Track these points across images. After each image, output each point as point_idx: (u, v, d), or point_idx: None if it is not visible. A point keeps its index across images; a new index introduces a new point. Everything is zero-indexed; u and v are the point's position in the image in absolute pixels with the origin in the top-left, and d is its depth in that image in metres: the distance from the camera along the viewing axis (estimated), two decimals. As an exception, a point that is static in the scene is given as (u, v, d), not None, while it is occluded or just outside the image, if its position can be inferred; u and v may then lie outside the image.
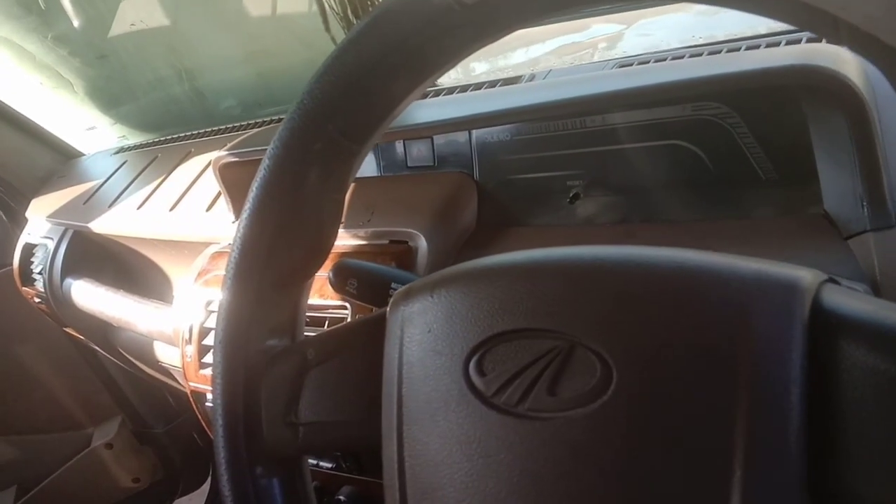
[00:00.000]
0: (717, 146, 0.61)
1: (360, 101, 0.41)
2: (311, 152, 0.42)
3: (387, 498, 0.38)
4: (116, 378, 1.64)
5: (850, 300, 0.29)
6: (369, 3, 0.69)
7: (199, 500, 1.76)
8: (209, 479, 1.77)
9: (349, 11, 0.69)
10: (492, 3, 0.35)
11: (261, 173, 0.43)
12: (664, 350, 0.30)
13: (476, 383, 0.35)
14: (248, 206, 0.43)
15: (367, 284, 0.54)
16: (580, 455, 0.31)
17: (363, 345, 0.43)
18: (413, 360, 0.37)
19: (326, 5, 0.70)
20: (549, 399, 0.32)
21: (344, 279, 0.55)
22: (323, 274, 0.57)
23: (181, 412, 1.68)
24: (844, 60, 0.50)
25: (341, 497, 0.75)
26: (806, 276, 0.29)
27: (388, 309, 0.40)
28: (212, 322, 0.83)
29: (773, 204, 0.59)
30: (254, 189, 0.43)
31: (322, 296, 0.72)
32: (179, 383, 1.21)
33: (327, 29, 0.72)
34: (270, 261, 0.44)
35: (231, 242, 0.45)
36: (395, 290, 0.54)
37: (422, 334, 0.37)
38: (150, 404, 1.69)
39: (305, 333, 0.75)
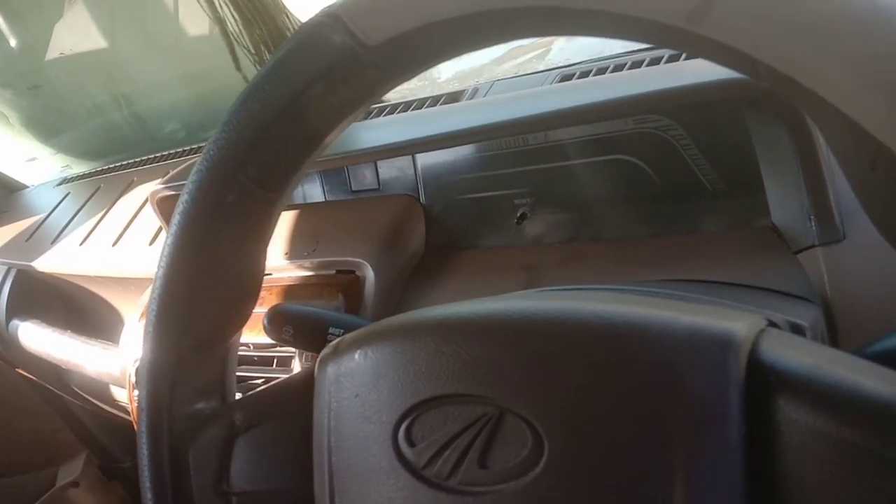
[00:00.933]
0: (661, 159, 0.59)
1: (271, 150, 0.38)
2: (223, 205, 0.39)
3: None
4: (78, 415, 1.59)
5: (789, 352, 0.27)
6: (283, 33, 0.66)
7: (173, 531, 1.72)
8: (182, 510, 1.72)
9: (261, 46, 0.66)
10: (398, 44, 0.32)
11: (172, 229, 0.40)
12: (596, 417, 0.28)
13: (406, 454, 0.32)
14: (161, 261, 0.41)
15: (303, 330, 0.52)
16: None
17: (293, 407, 0.40)
18: (342, 427, 0.35)
19: (235, 42, 0.67)
20: (480, 472, 0.30)
21: (279, 326, 0.52)
22: (261, 311, 0.55)
23: (148, 444, 1.63)
24: None
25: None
26: (741, 328, 0.27)
27: (315, 368, 0.38)
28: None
29: (721, 217, 0.58)
30: (166, 245, 0.41)
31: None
32: (139, 420, 1.17)
33: (238, 68, 0.69)
34: (189, 322, 0.41)
35: (149, 298, 0.42)
36: (332, 335, 0.52)
37: (349, 399, 0.35)
38: (114, 438, 1.64)
39: (252, 374, 0.73)
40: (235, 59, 0.68)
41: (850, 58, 0.21)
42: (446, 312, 0.34)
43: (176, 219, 0.40)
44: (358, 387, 0.35)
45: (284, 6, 0.66)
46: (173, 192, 0.82)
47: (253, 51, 0.66)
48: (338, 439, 0.35)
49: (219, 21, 0.65)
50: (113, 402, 1.15)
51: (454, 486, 0.31)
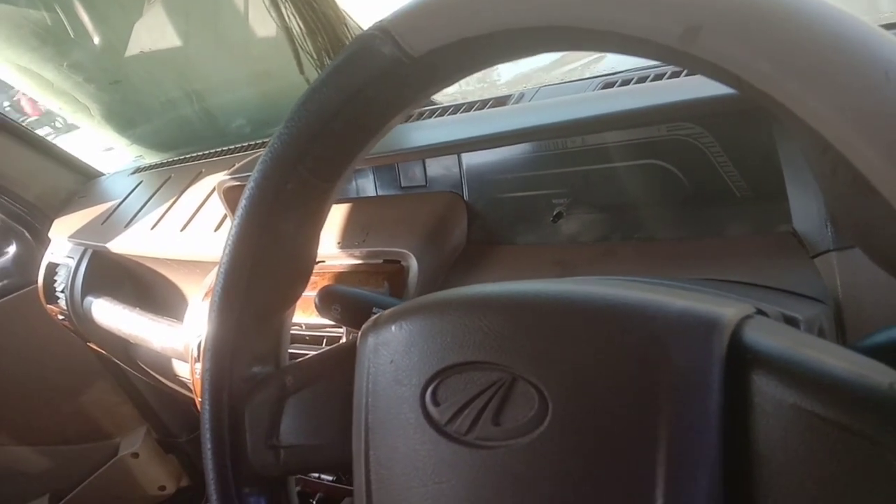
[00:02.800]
0: (692, 165, 0.63)
1: (327, 145, 0.43)
2: (284, 192, 0.45)
3: None
4: (141, 389, 1.69)
5: (769, 335, 0.31)
6: (342, 42, 0.72)
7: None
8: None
9: (322, 53, 0.72)
10: (438, 56, 0.37)
11: (238, 213, 0.46)
12: (594, 384, 0.32)
13: (431, 412, 0.37)
14: (228, 242, 0.46)
15: (350, 309, 0.57)
16: (520, 483, 0.33)
17: (337, 372, 0.45)
18: (378, 389, 0.40)
19: (300, 48, 0.73)
20: (494, 429, 0.34)
21: (328, 304, 0.57)
22: (312, 294, 0.60)
23: (204, 421, 1.72)
24: None
25: (344, 509, 0.78)
26: (728, 312, 0.31)
27: (358, 339, 0.43)
28: (219, 340, 0.86)
29: (746, 221, 0.61)
30: (233, 227, 0.46)
31: (318, 316, 0.75)
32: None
33: (301, 71, 0.75)
34: (250, 294, 0.47)
35: (215, 275, 0.47)
36: (376, 313, 0.57)
37: (385, 365, 0.40)
38: (173, 414, 1.74)
39: (303, 352, 0.79)
40: (299, 63, 0.74)
41: (812, 77, 0.25)
42: (471, 292, 0.39)
43: (242, 203, 0.46)
44: (393, 354, 0.40)
45: (345, 17, 0.72)
46: (238, 183, 0.88)
47: (315, 56, 0.72)
48: (374, 399, 0.40)
49: (285, 29, 0.72)
50: (174, 378, 1.23)
51: (471, 441, 0.35)
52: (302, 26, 0.70)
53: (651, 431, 0.30)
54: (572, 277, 0.52)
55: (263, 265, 0.46)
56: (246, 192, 0.45)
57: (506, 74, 1.26)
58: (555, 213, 0.70)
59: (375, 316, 0.43)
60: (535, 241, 0.73)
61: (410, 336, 0.39)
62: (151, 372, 1.35)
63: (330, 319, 0.58)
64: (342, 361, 0.45)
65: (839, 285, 0.50)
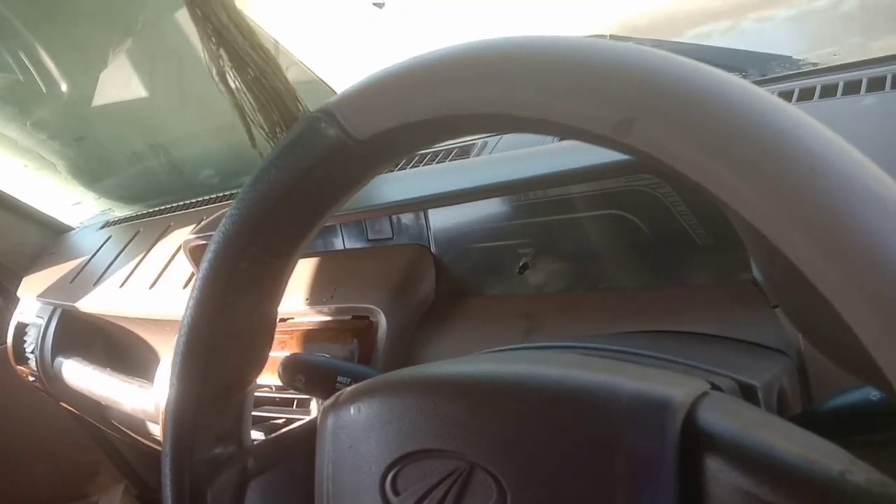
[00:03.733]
0: (651, 214, 0.63)
1: (278, 224, 0.43)
2: (238, 271, 0.44)
3: None
4: (117, 446, 1.66)
5: (722, 416, 0.30)
6: (294, 116, 0.72)
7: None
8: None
9: (275, 127, 0.72)
10: (384, 137, 0.37)
11: (193, 291, 0.45)
12: (551, 472, 0.31)
13: (392, 502, 0.36)
14: (183, 323, 0.46)
15: (314, 378, 0.56)
16: None
17: (299, 454, 0.44)
18: (338, 476, 0.39)
19: (251, 123, 0.73)
20: None
21: (292, 374, 0.57)
22: (283, 353, 0.59)
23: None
24: None
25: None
26: (680, 393, 0.31)
27: (319, 417, 0.42)
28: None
29: (707, 269, 0.61)
30: (188, 306, 0.46)
31: (287, 378, 0.74)
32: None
33: (253, 145, 0.75)
34: (208, 372, 0.46)
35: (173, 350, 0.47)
36: (340, 383, 0.56)
37: (345, 450, 0.39)
38: (151, 470, 1.71)
39: (273, 415, 0.77)
40: (252, 138, 0.74)
41: (744, 167, 0.24)
42: (427, 372, 0.39)
43: (197, 283, 0.45)
44: (352, 438, 0.39)
45: (295, 94, 0.72)
46: (203, 241, 0.87)
47: (267, 130, 0.72)
48: (334, 487, 0.39)
49: (237, 107, 0.72)
50: (149, 436, 1.21)
51: None
52: (253, 103, 0.70)
53: None
54: (530, 350, 0.52)
55: (221, 342, 0.45)
56: (200, 273, 0.45)
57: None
58: (521, 265, 0.70)
59: (335, 396, 0.42)
60: (503, 293, 0.73)
61: (368, 420, 0.38)
62: (127, 431, 1.32)
63: (294, 390, 0.57)
64: (304, 442, 0.44)
65: (801, 335, 0.50)
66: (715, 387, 0.33)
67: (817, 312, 0.29)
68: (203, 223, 0.91)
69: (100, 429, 1.61)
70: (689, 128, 0.26)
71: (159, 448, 1.28)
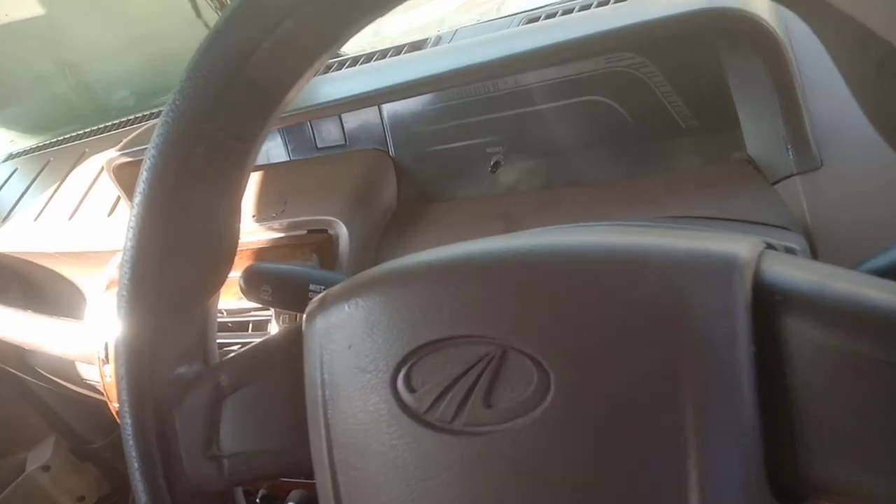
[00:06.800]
0: (634, 98, 0.59)
1: (241, 95, 0.36)
2: (194, 157, 0.38)
3: None
4: (44, 397, 1.55)
5: (791, 271, 0.27)
6: None
7: (152, 507, 1.70)
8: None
9: None
10: None
11: (139, 188, 0.38)
12: (603, 348, 0.27)
13: (406, 400, 0.32)
14: (130, 224, 0.39)
15: (283, 289, 0.50)
16: (524, 469, 0.28)
17: (281, 365, 0.39)
18: (336, 379, 0.34)
19: None
20: (486, 412, 0.29)
21: (256, 286, 0.50)
22: (237, 274, 0.53)
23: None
24: (757, 1, 0.47)
25: (291, 503, 0.72)
26: (742, 249, 0.27)
27: (303, 323, 0.37)
28: (128, 337, 0.77)
29: (696, 153, 0.58)
30: (135, 206, 0.39)
31: (241, 298, 0.67)
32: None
33: (198, 14, 0.66)
34: (164, 282, 0.39)
35: (120, 265, 0.40)
36: (314, 291, 0.50)
37: (342, 351, 0.34)
38: (83, 419, 1.61)
39: (229, 342, 0.71)
40: (195, 6, 0.65)
41: None
42: (438, 256, 0.33)
43: (143, 176, 0.38)
44: (350, 337, 0.34)
45: None
46: (132, 159, 0.79)
47: (215, -4, 0.63)
48: (332, 391, 0.34)
49: None
50: (80, 381, 1.12)
51: (459, 428, 0.30)
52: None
53: (676, 395, 0.26)
54: (543, 228, 0.47)
55: (177, 247, 0.39)
56: (146, 163, 0.38)
57: (399, 29, 1.18)
58: (492, 163, 0.65)
59: (321, 295, 0.37)
60: (474, 195, 0.68)
61: (370, 314, 0.33)
62: (54, 378, 1.23)
63: (258, 303, 0.51)
64: (285, 351, 0.39)
65: (806, 210, 0.47)
66: (769, 246, 0.30)
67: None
68: (129, 139, 0.82)
69: (22, 380, 1.50)
70: None
71: (91, 394, 1.20)
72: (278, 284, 0.51)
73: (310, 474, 0.38)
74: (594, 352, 0.27)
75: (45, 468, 1.55)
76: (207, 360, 0.44)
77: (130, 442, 0.41)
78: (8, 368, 1.31)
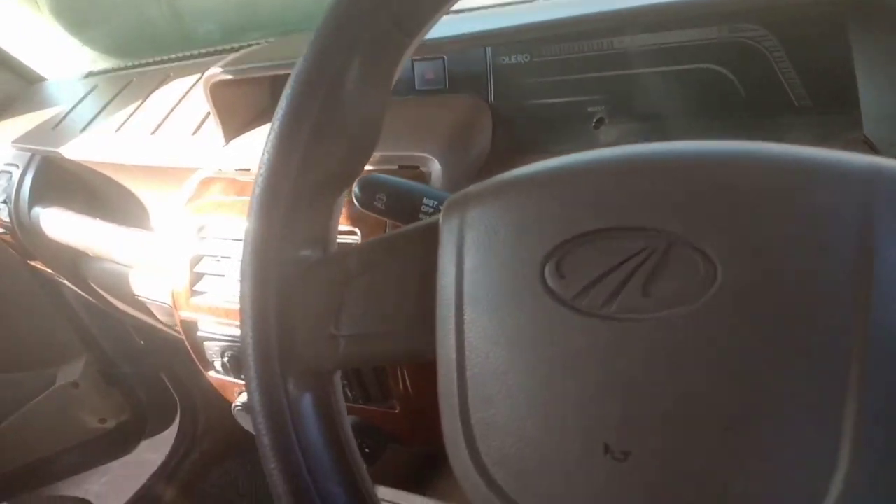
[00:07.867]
0: (751, 71, 0.60)
1: None
2: (359, 43, 0.39)
3: (443, 408, 0.36)
4: (82, 316, 1.58)
5: None
6: None
7: (166, 441, 1.73)
8: (177, 421, 1.73)
9: None
10: None
11: (300, 65, 0.40)
12: (778, 247, 0.28)
13: (553, 286, 0.32)
14: (283, 100, 0.40)
15: (398, 199, 0.51)
16: (682, 355, 0.29)
17: (411, 253, 0.40)
18: (477, 264, 0.35)
19: None
20: (643, 300, 0.30)
21: (372, 193, 0.52)
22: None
23: (149, 352, 1.63)
24: None
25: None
26: None
27: (440, 217, 0.38)
28: (204, 249, 0.79)
29: (805, 132, 0.58)
30: (291, 83, 0.40)
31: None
32: (155, 318, 1.17)
33: None
34: (308, 161, 0.41)
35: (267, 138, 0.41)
36: (427, 206, 0.52)
37: (487, 237, 0.35)
38: (116, 344, 1.64)
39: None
40: None
41: None
42: (601, 153, 0.34)
43: (305, 54, 0.39)
44: (496, 226, 0.34)
45: None
46: (231, 77, 0.80)
47: None
48: (471, 275, 0.34)
49: None
50: (130, 297, 1.13)
51: (610, 314, 0.31)
52: None
53: (850, 298, 0.27)
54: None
55: (326, 129, 0.40)
56: (312, 41, 0.39)
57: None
58: (596, 119, 0.66)
59: (463, 191, 0.38)
60: (570, 150, 0.69)
61: (520, 206, 0.34)
62: (101, 292, 1.25)
63: (372, 212, 0.53)
64: (418, 241, 0.40)
65: None
66: None
67: None
68: (230, 58, 0.84)
69: (64, 297, 1.53)
70: None
71: (135, 313, 1.22)
72: (393, 194, 0.52)
73: (419, 359, 0.39)
74: (769, 250, 0.28)
75: (75, 385, 1.59)
76: (327, 248, 0.45)
77: (249, 314, 0.43)
78: (57, 278, 1.33)
